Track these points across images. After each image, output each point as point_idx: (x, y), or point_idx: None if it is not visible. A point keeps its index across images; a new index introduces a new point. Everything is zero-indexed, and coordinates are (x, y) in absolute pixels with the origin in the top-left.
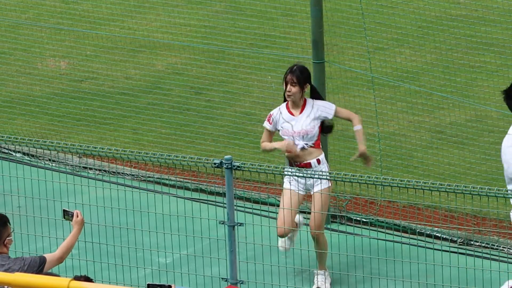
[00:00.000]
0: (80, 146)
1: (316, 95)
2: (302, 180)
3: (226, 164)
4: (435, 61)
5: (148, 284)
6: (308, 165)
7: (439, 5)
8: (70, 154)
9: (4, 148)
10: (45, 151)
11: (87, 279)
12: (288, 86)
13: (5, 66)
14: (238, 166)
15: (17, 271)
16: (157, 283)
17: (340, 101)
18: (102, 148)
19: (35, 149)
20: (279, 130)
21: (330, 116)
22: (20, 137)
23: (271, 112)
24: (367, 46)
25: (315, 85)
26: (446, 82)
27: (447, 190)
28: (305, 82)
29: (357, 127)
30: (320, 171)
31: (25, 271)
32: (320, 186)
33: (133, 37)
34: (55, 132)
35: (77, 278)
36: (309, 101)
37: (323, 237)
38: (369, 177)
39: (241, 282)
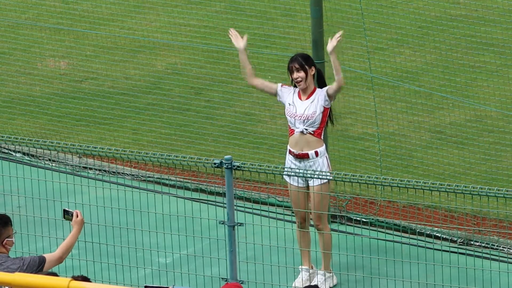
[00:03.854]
0: (80, 146)
1: (322, 80)
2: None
3: (226, 164)
4: (435, 61)
5: (146, 286)
6: (306, 156)
7: (439, 5)
8: (70, 154)
9: (4, 148)
10: (45, 151)
11: (85, 278)
12: (295, 74)
13: (5, 66)
14: (238, 166)
15: (16, 270)
16: (155, 285)
17: (340, 101)
18: (102, 148)
19: (35, 149)
20: (276, 96)
21: (328, 102)
22: (20, 137)
23: (289, 86)
24: (367, 46)
25: (315, 85)
26: (446, 82)
27: (447, 190)
28: (309, 66)
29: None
30: (320, 170)
31: (24, 271)
32: (317, 181)
33: (133, 37)
34: (55, 132)
35: (74, 278)
36: (318, 90)
37: (326, 233)
38: (369, 177)
39: (241, 282)
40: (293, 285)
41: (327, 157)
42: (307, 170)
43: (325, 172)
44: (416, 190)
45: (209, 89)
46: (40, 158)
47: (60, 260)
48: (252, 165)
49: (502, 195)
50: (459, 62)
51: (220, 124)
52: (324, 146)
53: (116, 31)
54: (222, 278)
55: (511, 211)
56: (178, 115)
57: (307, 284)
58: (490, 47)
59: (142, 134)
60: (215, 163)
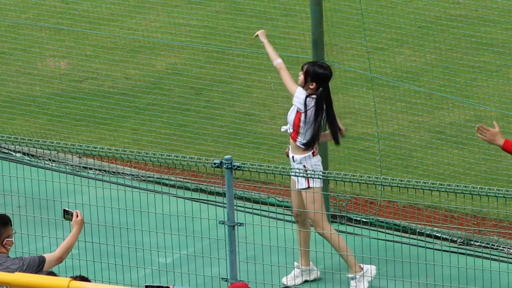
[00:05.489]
0: (80, 146)
1: (330, 108)
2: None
3: (226, 164)
4: (435, 61)
5: (146, 286)
6: (288, 156)
7: (439, 5)
8: (70, 154)
9: (4, 148)
10: (45, 151)
11: (83, 278)
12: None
13: (5, 66)
14: (238, 166)
15: (16, 270)
16: (156, 284)
17: (340, 101)
18: (102, 148)
19: (35, 149)
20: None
21: (302, 107)
22: (20, 137)
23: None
24: (367, 46)
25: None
26: (446, 82)
27: (447, 190)
28: (311, 78)
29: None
30: (309, 169)
31: (24, 271)
32: (301, 185)
33: (133, 37)
34: (55, 132)
35: (72, 278)
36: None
37: (328, 236)
38: (369, 177)
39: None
40: (283, 280)
41: (306, 168)
42: (306, 170)
43: (319, 172)
44: (416, 190)
45: (209, 89)
46: (40, 158)
47: (60, 260)
48: (252, 165)
49: (502, 195)
50: (459, 62)
51: (220, 124)
52: (303, 156)
53: (116, 31)
54: (222, 278)
55: (511, 211)
56: (178, 115)
57: (297, 279)
58: (490, 47)
59: (142, 134)
60: (215, 163)
